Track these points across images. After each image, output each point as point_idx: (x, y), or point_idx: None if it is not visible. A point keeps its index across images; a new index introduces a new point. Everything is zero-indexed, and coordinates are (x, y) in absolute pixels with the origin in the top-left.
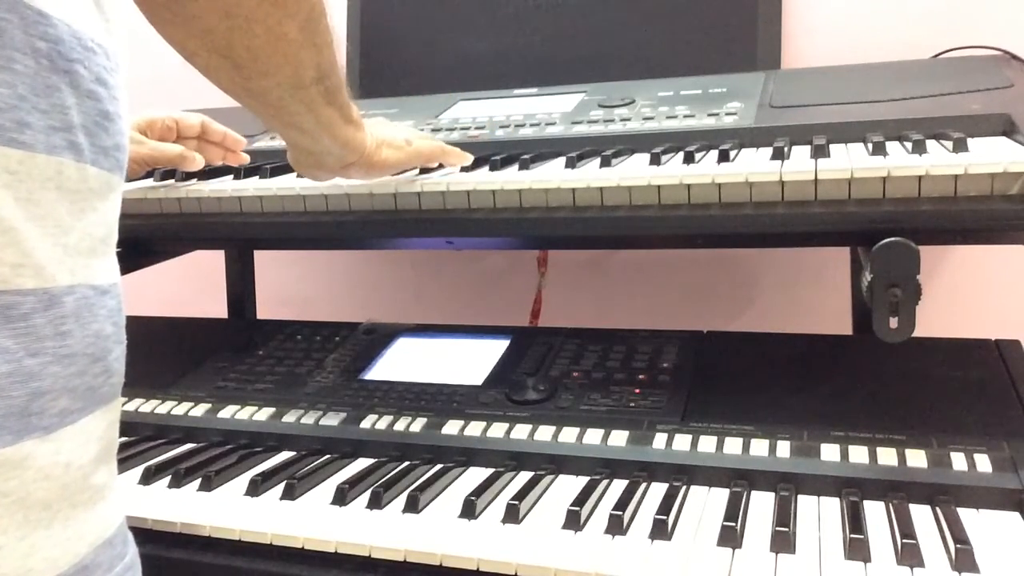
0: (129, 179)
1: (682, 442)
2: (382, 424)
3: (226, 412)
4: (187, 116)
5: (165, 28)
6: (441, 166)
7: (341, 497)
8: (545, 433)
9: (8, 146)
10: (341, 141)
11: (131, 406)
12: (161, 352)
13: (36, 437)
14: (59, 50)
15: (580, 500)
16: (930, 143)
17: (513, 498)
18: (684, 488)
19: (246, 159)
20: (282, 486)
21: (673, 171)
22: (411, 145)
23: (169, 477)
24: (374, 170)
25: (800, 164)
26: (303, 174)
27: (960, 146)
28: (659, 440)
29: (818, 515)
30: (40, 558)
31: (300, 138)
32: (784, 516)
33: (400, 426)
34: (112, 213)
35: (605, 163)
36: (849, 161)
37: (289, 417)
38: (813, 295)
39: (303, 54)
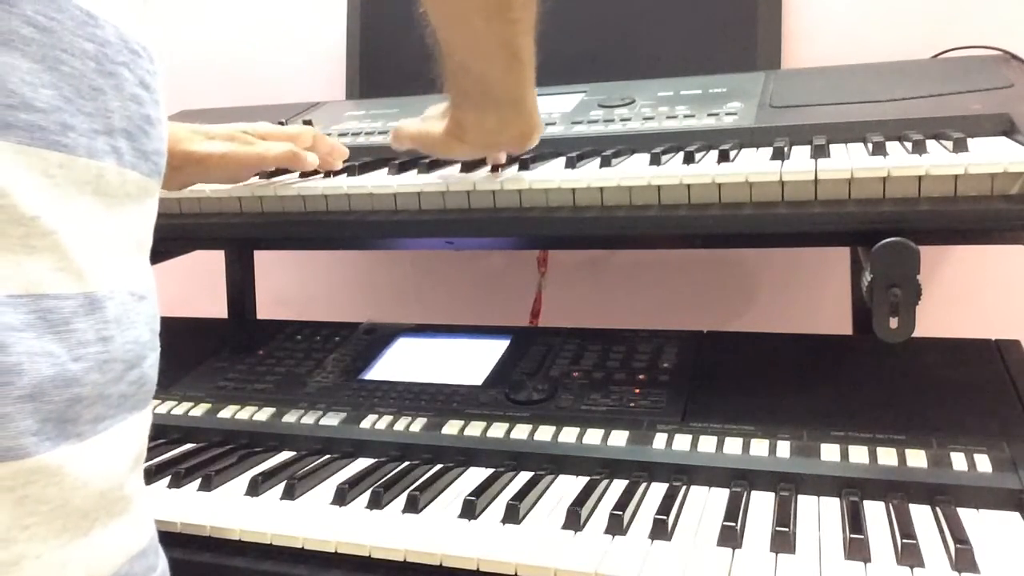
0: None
1: (682, 442)
2: (382, 424)
3: (226, 412)
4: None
5: None
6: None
7: (341, 497)
8: (545, 433)
9: (50, 148)
10: (519, 93)
11: None
12: (161, 352)
13: (71, 443)
14: (105, 52)
15: (580, 500)
16: (930, 143)
17: (513, 498)
18: (684, 488)
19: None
20: (282, 486)
21: (673, 171)
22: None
23: (169, 477)
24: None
25: (800, 164)
26: (448, 146)
27: (960, 146)
28: (659, 440)
29: (818, 515)
30: (78, 568)
31: (491, 71)
32: (784, 516)
33: (400, 426)
34: (149, 218)
35: (605, 163)
36: (849, 161)
37: (289, 417)
38: (813, 295)
39: None
